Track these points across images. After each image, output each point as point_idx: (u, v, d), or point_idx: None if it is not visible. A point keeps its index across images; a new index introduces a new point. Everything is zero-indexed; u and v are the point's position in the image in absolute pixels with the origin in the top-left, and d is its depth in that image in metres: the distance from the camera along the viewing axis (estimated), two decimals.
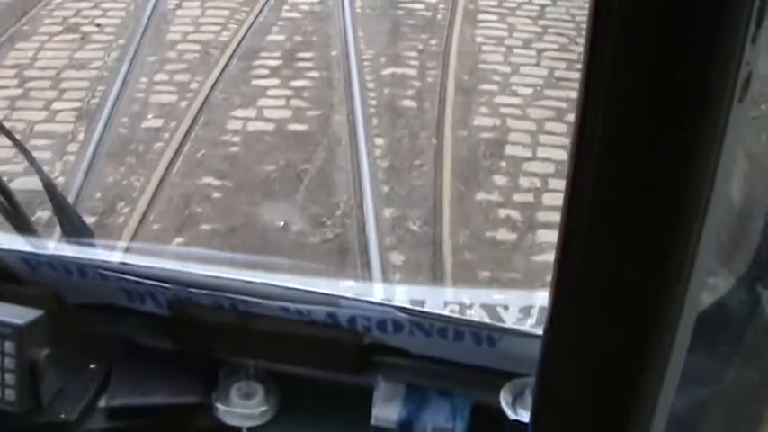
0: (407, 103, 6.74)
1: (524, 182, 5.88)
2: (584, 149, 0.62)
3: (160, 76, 7.04)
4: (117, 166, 5.93)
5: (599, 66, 0.60)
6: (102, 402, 1.73)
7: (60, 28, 7.82)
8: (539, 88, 7.03)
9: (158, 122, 6.42)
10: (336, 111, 6.58)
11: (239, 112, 6.56)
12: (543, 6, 8.32)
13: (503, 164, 6.08)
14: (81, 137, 6.20)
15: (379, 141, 6.22)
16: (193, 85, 6.88)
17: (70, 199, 5.02)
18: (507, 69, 7.29)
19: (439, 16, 8.19)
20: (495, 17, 8.18)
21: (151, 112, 6.57)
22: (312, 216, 5.48)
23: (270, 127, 6.40)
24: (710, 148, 0.60)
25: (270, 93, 6.83)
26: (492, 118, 6.59)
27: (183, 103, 6.65)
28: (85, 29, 7.82)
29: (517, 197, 5.75)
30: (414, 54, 7.49)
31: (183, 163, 5.97)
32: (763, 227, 1.11)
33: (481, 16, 8.20)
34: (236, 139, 6.25)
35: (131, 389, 1.73)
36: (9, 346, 1.60)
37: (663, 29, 0.57)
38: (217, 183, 5.75)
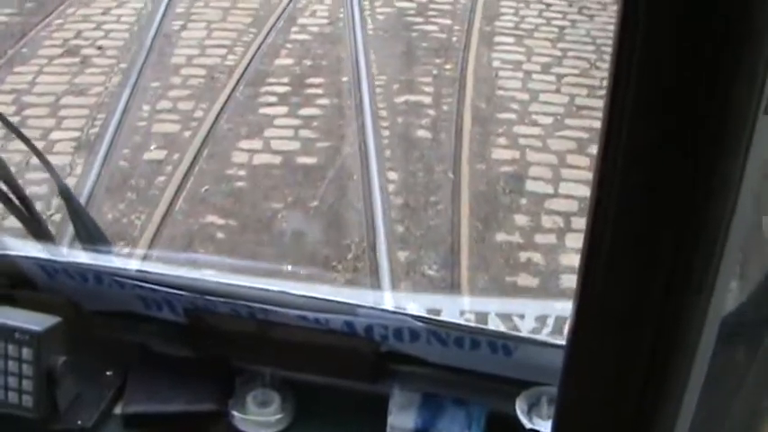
0: (422, 133, 6.43)
1: (546, 221, 5.56)
2: (609, 163, 0.63)
3: (163, 104, 6.73)
4: (116, 203, 5.63)
5: (624, 81, 0.60)
6: (118, 409, 1.72)
7: (60, 51, 7.53)
8: (559, 117, 6.70)
9: (161, 154, 6.11)
10: (347, 142, 6.27)
11: (245, 144, 6.25)
12: (562, 28, 8.00)
13: (523, 201, 5.76)
14: (79, 170, 5.89)
15: (392, 176, 5.90)
16: (198, 114, 6.57)
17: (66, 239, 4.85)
18: (526, 96, 6.97)
19: (454, 38, 7.87)
20: (512, 39, 7.87)
21: (153, 142, 6.26)
22: (322, 259, 5.16)
23: (277, 160, 6.08)
24: (735, 161, 0.60)
25: (277, 122, 6.52)
26: (511, 150, 6.27)
27: (187, 133, 6.34)
28: (86, 51, 7.52)
29: (539, 238, 5.42)
30: (428, 80, 7.17)
31: (185, 200, 5.65)
32: None
33: (498, 39, 7.89)
34: (241, 173, 5.94)
35: (147, 396, 1.72)
36: (26, 352, 1.60)
37: (687, 43, 0.58)
38: (221, 222, 5.44)
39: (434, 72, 7.30)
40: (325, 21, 8.12)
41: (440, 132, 6.46)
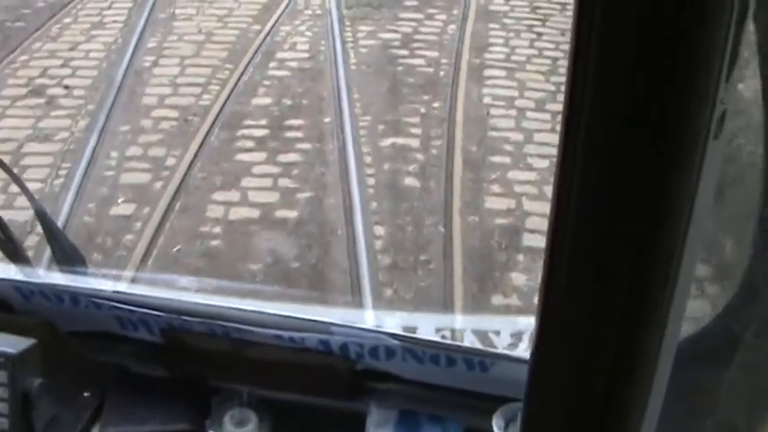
0: (410, 181, 6.00)
1: None
2: (566, 184, 0.66)
3: (133, 150, 6.29)
4: None
5: (579, 106, 0.63)
6: (95, 430, 1.73)
7: (25, 91, 7.08)
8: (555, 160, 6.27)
9: (129, 208, 5.67)
10: (330, 192, 5.84)
11: (220, 195, 5.81)
12: (555, 60, 7.60)
13: (520, 257, 5.34)
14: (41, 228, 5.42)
15: (379, 231, 5.47)
16: (170, 161, 6.13)
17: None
18: (520, 137, 6.56)
19: (441, 73, 7.46)
20: (503, 73, 7.46)
21: (121, 194, 5.82)
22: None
23: (255, 214, 5.65)
24: (688, 182, 0.64)
25: (255, 170, 6.09)
26: (506, 199, 5.85)
27: (158, 184, 5.89)
28: (52, 91, 7.08)
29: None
30: (415, 119, 6.75)
31: (155, 261, 5.21)
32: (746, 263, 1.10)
33: (488, 72, 7.48)
34: (216, 229, 5.50)
35: (124, 417, 1.72)
36: (1, 375, 1.59)
37: (640, 70, 0.61)
38: (194, 285, 4.98)
39: (422, 111, 6.89)
40: (306, 55, 7.70)
41: (429, 180, 6.03)
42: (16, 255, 1.89)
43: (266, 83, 7.25)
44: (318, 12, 8.52)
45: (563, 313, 0.70)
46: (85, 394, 1.75)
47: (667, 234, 0.65)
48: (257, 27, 8.20)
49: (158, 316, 1.69)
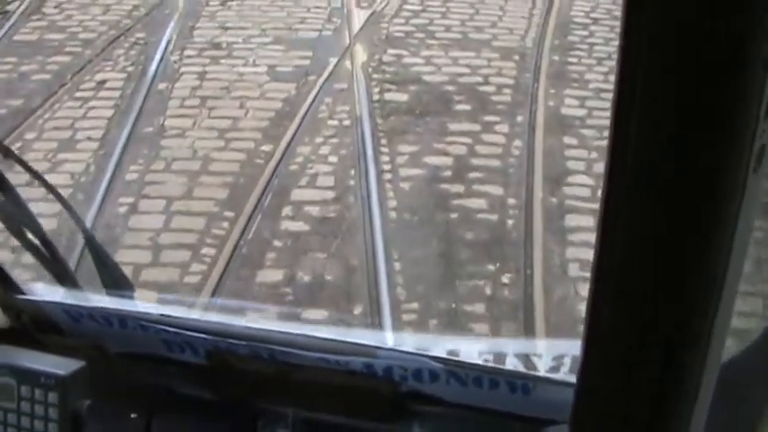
0: None
1: None
2: (613, 210, 0.68)
3: None
4: None
5: (623, 140, 0.66)
6: None
7: None
8: None
9: None
10: None
11: None
12: None
13: None
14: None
15: None
16: None
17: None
18: None
19: (510, 222, 5.61)
20: (589, 220, 5.59)
21: None
22: None
23: None
24: (728, 215, 0.66)
25: None
26: None
27: None
28: None
29: None
30: (480, 308, 4.90)
31: None
32: None
33: (570, 220, 5.62)
34: None
35: None
36: (52, 396, 1.62)
37: (682, 105, 0.63)
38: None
39: (487, 292, 5.03)
40: (330, 194, 5.87)
41: None
42: (65, 278, 1.88)
43: (276, 244, 5.42)
44: (346, 122, 6.69)
45: (609, 339, 0.71)
46: (133, 416, 1.74)
47: (709, 264, 0.67)
48: (268, 147, 6.40)
49: (204, 338, 1.69)
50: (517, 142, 6.49)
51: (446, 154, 6.37)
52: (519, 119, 6.82)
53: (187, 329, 1.70)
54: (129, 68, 7.68)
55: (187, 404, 1.76)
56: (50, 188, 2.04)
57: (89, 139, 6.60)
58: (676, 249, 0.67)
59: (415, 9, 8.79)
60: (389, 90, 7.16)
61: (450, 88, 7.23)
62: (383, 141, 6.45)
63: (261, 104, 7.04)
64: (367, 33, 8.25)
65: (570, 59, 7.75)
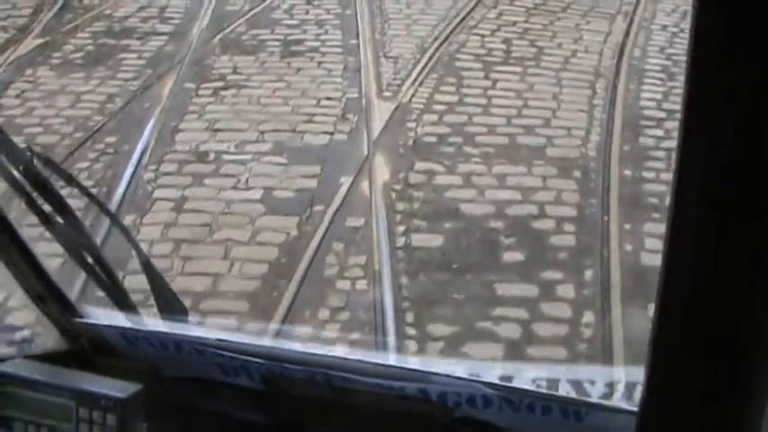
0: None
1: None
2: (678, 240, 0.69)
3: None
4: None
5: (689, 173, 0.68)
6: None
7: None
8: None
9: None
10: None
11: None
12: None
13: None
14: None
15: None
16: None
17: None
18: None
19: None
20: None
21: None
22: None
23: None
24: None
25: None
26: None
27: None
28: None
29: None
30: None
31: None
32: None
33: None
34: None
35: None
36: (110, 418, 1.65)
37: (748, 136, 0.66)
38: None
39: None
40: None
41: None
42: (123, 302, 1.89)
43: None
44: (361, 283, 5.06)
45: (674, 366, 0.71)
46: None
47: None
48: (255, 326, 4.76)
49: (260, 363, 1.71)
50: (588, 316, 4.83)
51: (494, 339, 4.71)
52: (588, 275, 5.15)
53: (242, 354, 1.71)
54: (92, 190, 6.06)
55: (242, 428, 1.77)
56: (110, 214, 2.31)
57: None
58: (738, 279, 0.67)
59: (449, 101, 7.16)
60: (418, 230, 5.52)
61: (496, 225, 5.59)
62: (409, 319, 4.80)
63: (251, 252, 5.43)
64: (390, 136, 6.62)
65: (646, 174, 6.11)
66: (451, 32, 8.50)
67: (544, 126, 6.75)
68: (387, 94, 7.29)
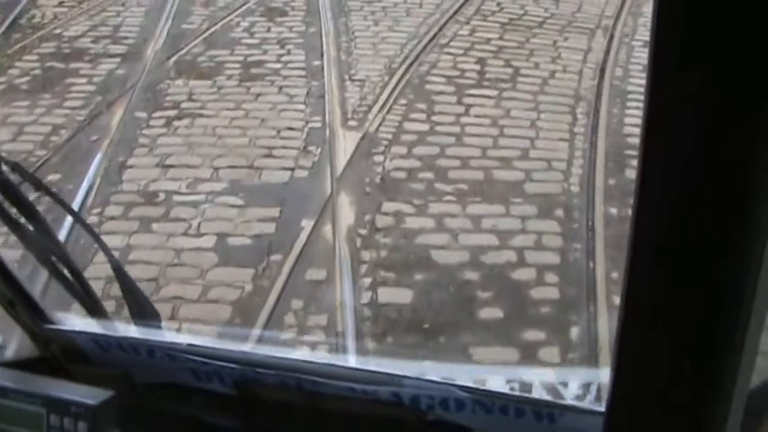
0: None
1: None
2: (641, 241, 0.70)
3: None
4: None
5: (652, 158, 0.68)
6: None
7: None
8: None
9: None
10: None
11: None
12: None
13: None
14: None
15: None
16: None
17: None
18: None
19: None
20: None
21: None
22: None
23: None
24: (755, 239, 0.67)
25: None
26: None
27: None
28: None
29: None
30: None
31: None
32: None
33: None
34: None
35: None
36: (81, 425, 1.64)
37: (717, 132, 0.66)
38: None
39: None
40: None
41: None
42: (94, 308, 1.90)
43: None
44: (322, 348, 4.53)
45: (639, 367, 0.72)
46: None
47: (738, 287, 0.67)
48: None
49: (232, 368, 1.71)
50: (572, 386, 4.33)
51: None
52: (574, 334, 4.66)
53: (215, 359, 1.72)
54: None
55: None
56: (81, 221, 2.28)
57: None
58: (706, 281, 0.67)
59: (420, 129, 6.65)
60: (386, 283, 5.01)
61: (471, 277, 5.08)
62: None
63: (202, 312, 4.91)
64: (355, 172, 6.11)
65: None
66: (422, 51, 8.00)
67: (522, 158, 6.25)
68: (352, 122, 6.78)
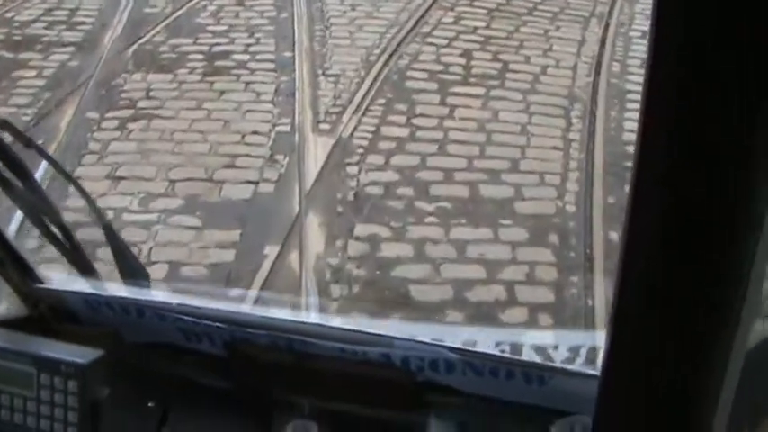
0: None
1: None
2: (638, 208, 0.71)
3: None
4: None
5: (651, 148, 0.69)
6: None
7: None
8: None
9: None
10: None
11: None
12: None
13: None
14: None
15: None
16: None
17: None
18: None
19: None
20: None
21: None
22: None
23: None
24: (755, 214, 0.67)
25: None
26: None
27: None
28: None
29: None
30: None
31: None
32: None
33: None
34: None
35: (188, 427, 1.77)
36: (72, 384, 1.66)
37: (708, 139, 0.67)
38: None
39: None
40: None
41: None
42: (84, 267, 1.90)
43: None
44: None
45: (635, 330, 0.73)
46: (150, 404, 1.76)
47: (735, 257, 0.68)
48: None
49: (222, 328, 1.72)
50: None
51: None
52: None
53: (204, 319, 1.72)
54: None
55: (204, 394, 1.77)
56: (70, 179, 2.14)
57: None
58: (702, 245, 0.68)
59: (399, 135, 6.03)
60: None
61: (456, 317, 4.49)
62: None
63: None
64: (326, 187, 5.49)
65: None
66: (402, 41, 7.36)
67: (511, 170, 5.64)
68: (324, 126, 6.15)
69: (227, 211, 5.34)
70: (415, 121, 6.20)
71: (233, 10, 8.13)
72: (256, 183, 5.59)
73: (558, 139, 5.98)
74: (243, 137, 6.09)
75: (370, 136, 6.01)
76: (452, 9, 7.94)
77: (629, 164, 5.24)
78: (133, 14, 8.03)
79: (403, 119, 6.22)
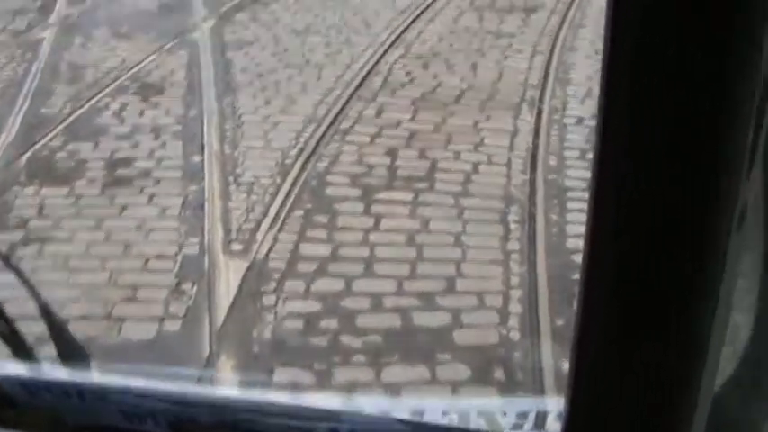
0: None
1: None
2: (598, 254, 0.70)
3: None
4: None
5: (609, 166, 0.68)
6: None
7: None
8: None
9: None
10: None
11: None
12: None
13: None
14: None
15: None
16: None
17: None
18: None
19: None
20: None
21: None
22: None
23: None
24: (714, 270, 0.68)
25: None
26: None
27: None
28: None
29: None
30: None
31: None
32: None
33: None
34: None
35: None
36: None
37: (668, 171, 0.66)
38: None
39: None
40: None
41: None
42: (21, 350, 1.82)
43: None
44: None
45: (595, 394, 0.72)
46: None
47: (696, 322, 0.68)
48: None
49: (166, 408, 1.62)
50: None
51: None
52: None
53: (148, 399, 1.66)
54: None
55: None
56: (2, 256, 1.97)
57: None
58: (663, 302, 0.67)
59: (320, 254, 5.43)
60: None
61: None
62: None
63: None
64: (240, 323, 4.86)
65: None
66: (320, 140, 6.79)
67: (447, 292, 5.06)
68: (236, 246, 5.53)
69: (126, 355, 4.68)
70: (337, 235, 5.61)
71: (138, 107, 7.51)
72: (161, 319, 4.94)
73: (497, 250, 5.43)
74: (146, 262, 5.45)
75: (287, 256, 5.41)
76: (374, 99, 7.40)
77: (576, 276, 4.69)
78: (28, 116, 7.38)
79: (324, 233, 5.63)
